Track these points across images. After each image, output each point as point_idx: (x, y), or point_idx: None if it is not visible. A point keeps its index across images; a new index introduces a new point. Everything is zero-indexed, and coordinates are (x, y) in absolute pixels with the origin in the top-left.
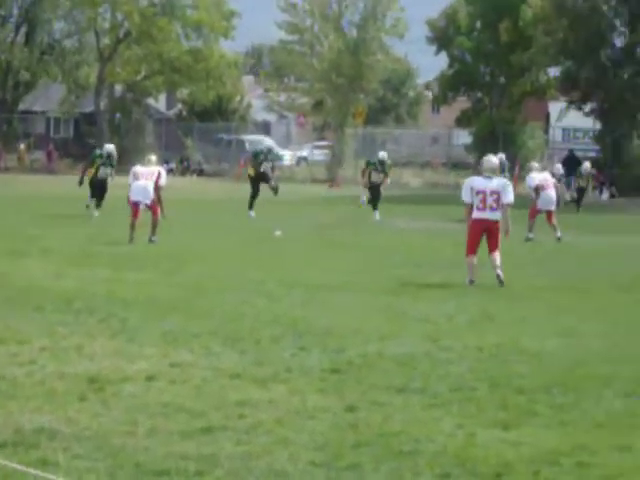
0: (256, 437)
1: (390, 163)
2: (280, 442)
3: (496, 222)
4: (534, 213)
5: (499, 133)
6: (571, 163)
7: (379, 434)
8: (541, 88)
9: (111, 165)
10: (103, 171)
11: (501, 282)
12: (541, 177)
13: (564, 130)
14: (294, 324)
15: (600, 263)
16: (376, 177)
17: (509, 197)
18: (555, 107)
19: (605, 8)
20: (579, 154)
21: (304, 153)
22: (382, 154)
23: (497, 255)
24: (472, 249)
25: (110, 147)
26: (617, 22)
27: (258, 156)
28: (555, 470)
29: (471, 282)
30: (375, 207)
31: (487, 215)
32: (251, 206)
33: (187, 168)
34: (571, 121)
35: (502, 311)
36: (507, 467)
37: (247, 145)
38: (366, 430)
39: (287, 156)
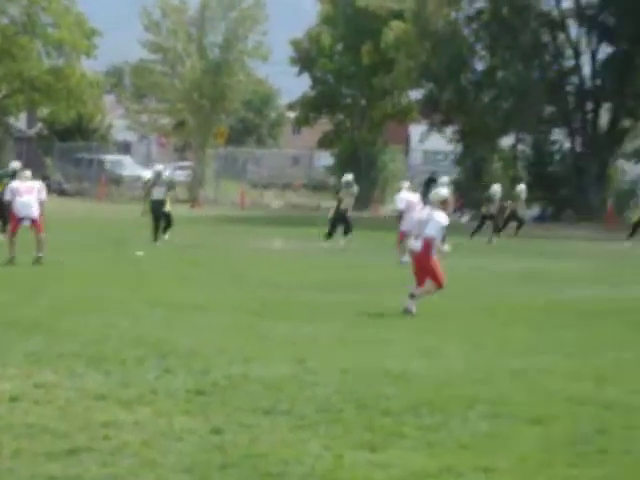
0: (122, 459)
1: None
2: (146, 464)
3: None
4: (402, 236)
5: (361, 155)
6: (429, 187)
7: (246, 456)
8: (402, 111)
9: None
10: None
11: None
12: (410, 198)
13: (425, 153)
14: (158, 345)
15: (460, 286)
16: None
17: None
18: (416, 130)
19: (466, 32)
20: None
21: (166, 173)
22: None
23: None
24: None
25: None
26: (478, 46)
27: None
28: None
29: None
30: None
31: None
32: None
33: (48, 187)
34: (432, 144)
35: (365, 333)
36: None
37: (108, 165)
38: (233, 452)
39: (148, 176)
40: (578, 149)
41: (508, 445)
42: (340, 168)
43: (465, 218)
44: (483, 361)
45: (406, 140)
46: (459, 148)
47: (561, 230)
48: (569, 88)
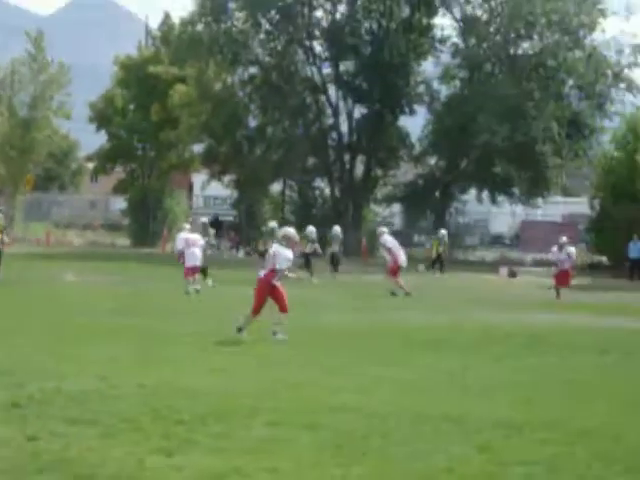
0: None
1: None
2: None
3: None
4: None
5: (150, 200)
6: (213, 226)
7: (59, 460)
8: (186, 162)
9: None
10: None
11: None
12: (189, 237)
13: (206, 197)
14: None
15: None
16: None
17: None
18: (198, 178)
19: (241, 95)
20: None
21: None
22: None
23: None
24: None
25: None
26: (252, 106)
27: None
28: None
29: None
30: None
31: None
32: None
33: None
34: (212, 190)
35: (158, 353)
36: None
37: None
38: (47, 457)
39: None
40: (337, 194)
41: (287, 449)
42: (132, 211)
43: (241, 253)
44: (264, 376)
45: (189, 187)
46: (235, 194)
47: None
48: (330, 142)
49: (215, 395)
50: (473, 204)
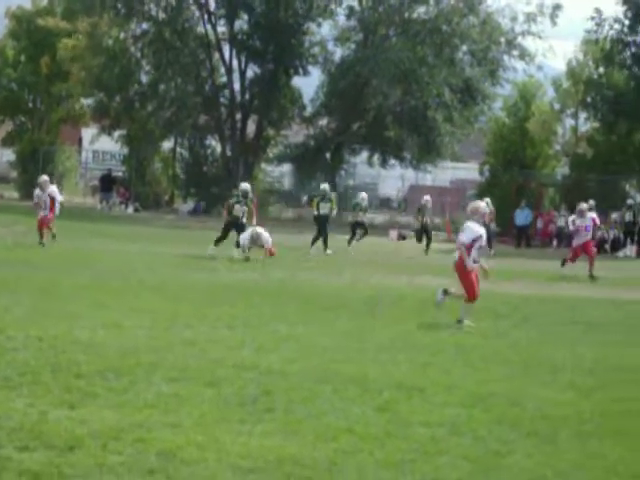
0: None
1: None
2: None
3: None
4: None
5: (40, 153)
6: (105, 181)
7: None
8: (76, 116)
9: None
10: (239, 209)
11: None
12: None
13: (95, 152)
14: None
15: (131, 266)
16: (324, 207)
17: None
18: (88, 133)
19: (133, 49)
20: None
21: None
22: (323, 186)
23: None
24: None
25: (245, 185)
26: (144, 62)
27: None
28: (119, 444)
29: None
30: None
31: None
32: None
33: None
34: (102, 145)
35: (54, 306)
36: (78, 441)
37: None
38: None
39: None
40: (229, 153)
41: (188, 405)
42: (21, 164)
43: (130, 209)
44: (160, 333)
45: (79, 141)
46: (125, 150)
47: (212, 222)
48: (222, 101)
49: (113, 350)
50: (363, 166)
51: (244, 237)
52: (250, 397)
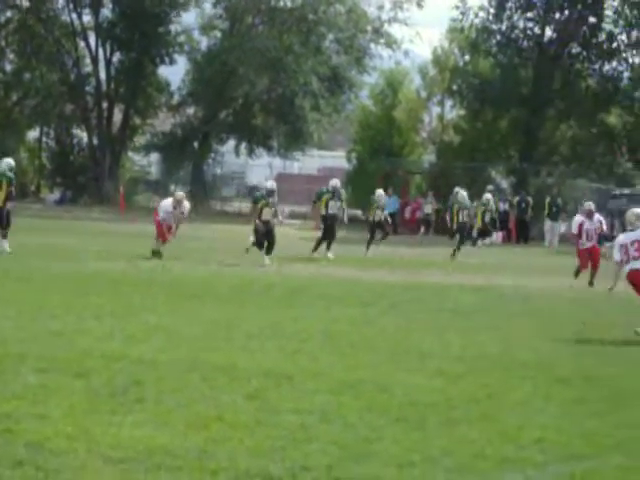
0: None
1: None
2: None
3: None
4: None
5: None
6: None
7: None
8: None
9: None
10: (268, 212)
11: None
12: None
13: None
14: None
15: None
16: (334, 207)
17: None
18: None
19: None
20: None
21: None
22: (334, 182)
23: None
24: None
25: (271, 184)
26: (8, 50)
27: None
28: None
29: None
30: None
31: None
32: None
33: None
34: None
35: None
36: None
37: None
38: None
39: None
40: (95, 142)
41: (57, 396)
42: None
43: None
44: (26, 323)
45: None
46: None
47: (79, 212)
48: (88, 90)
49: None
50: (231, 155)
51: (165, 204)
52: (120, 388)
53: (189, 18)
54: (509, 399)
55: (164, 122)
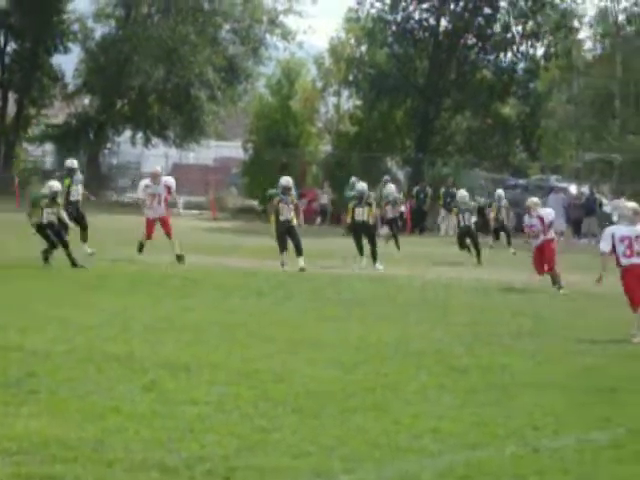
0: None
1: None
2: None
3: None
4: None
5: None
6: None
7: None
8: None
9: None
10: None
11: None
12: None
13: None
14: None
15: None
16: (361, 213)
17: None
18: None
19: None
20: None
21: None
22: (360, 186)
23: None
24: (638, 299)
25: (286, 180)
26: None
27: None
28: None
29: None
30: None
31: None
32: None
33: None
34: None
35: None
36: None
37: None
38: None
39: None
40: None
41: None
42: None
43: None
44: None
45: None
46: None
47: None
48: None
49: None
50: (127, 145)
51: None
52: (14, 379)
53: (82, 5)
54: (405, 389)
55: (60, 111)
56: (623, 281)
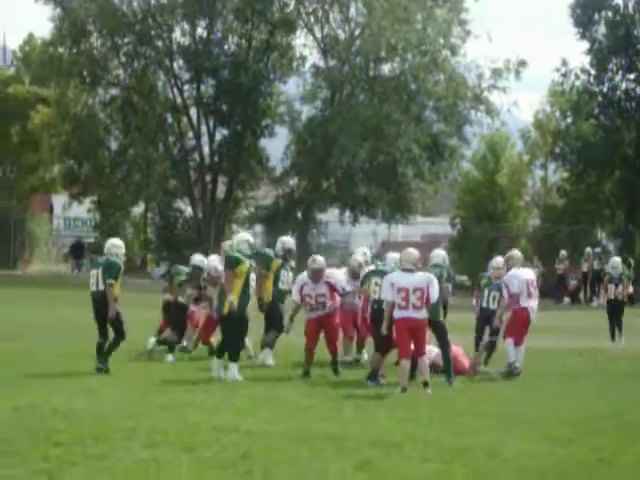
0: None
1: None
2: None
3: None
4: None
5: (11, 222)
6: (76, 249)
7: None
8: (47, 184)
9: None
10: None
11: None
12: None
13: (66, 219)
14: None
15: None
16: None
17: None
18: (59, 199)
19: (102, 116)
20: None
21: None
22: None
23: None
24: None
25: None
26: (113, 127)
27: None
28: None
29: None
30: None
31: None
32: None
33: None
34: (73, 212)
35: (30, 373)
36: None
37: None
38: None
39: None
40: (199, 216)
41: (167, 470)
42: None
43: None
44: (135, 397)
45: (50, 209)
46: (97, 216)
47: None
48: (191, 164)
49: (90, 415)
50: (334, 225)
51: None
52: (229, 460)
53: (288, 89)
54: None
55: (267, 193)
56: None
